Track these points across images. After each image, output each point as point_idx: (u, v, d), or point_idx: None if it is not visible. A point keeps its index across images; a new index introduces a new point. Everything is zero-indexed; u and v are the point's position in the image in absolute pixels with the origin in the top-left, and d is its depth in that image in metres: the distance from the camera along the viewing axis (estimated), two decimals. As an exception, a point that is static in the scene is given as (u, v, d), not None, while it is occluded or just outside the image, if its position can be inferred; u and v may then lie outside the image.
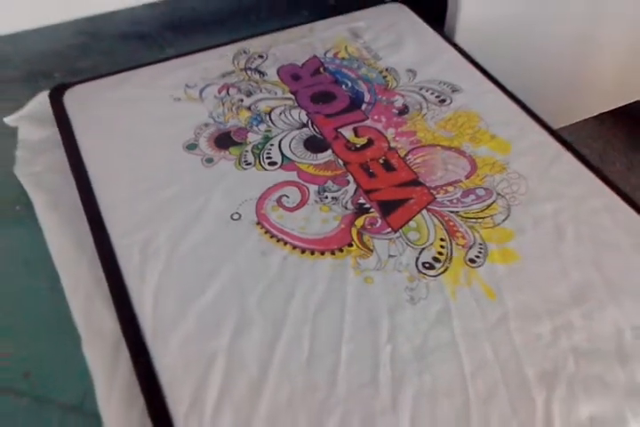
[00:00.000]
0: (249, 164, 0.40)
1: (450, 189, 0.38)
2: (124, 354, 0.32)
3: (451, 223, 0.36)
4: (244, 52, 0.48)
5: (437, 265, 0.34)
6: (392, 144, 0.41)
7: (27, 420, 0.32)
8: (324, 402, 0.29)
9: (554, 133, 0.42)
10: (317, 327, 0.32)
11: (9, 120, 0.45)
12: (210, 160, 0.40)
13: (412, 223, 0.36)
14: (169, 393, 0.29)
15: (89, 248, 0.36)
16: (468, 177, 0.39)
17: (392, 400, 0.29)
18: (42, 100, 0.46)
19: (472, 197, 0.38)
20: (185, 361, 0.30)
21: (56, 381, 0.33)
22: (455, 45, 0.49)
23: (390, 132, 0.42)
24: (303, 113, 0.43)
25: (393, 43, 0.49)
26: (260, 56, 0.48)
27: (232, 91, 0.45)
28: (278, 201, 0.38)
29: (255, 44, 0.49)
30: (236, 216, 0.37)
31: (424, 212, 0.37)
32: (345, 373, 0.30)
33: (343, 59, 0.48)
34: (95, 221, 0.37)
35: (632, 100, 0.80)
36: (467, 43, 0.52)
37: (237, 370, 0.30)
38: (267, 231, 0.36)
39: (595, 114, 0.76)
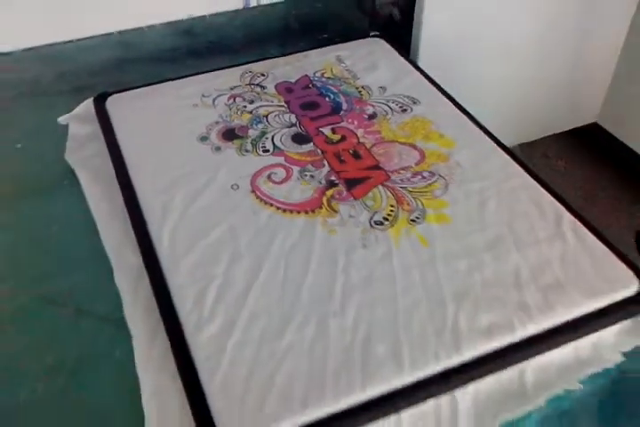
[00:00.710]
0: (248, 151, 0.51)
1: (402, 171, 0.49)
2: (145, 279, 0.42)
3: (399, 195, 0.47)
4: (250, 71, 0.60)
5: (386, 223, 0.45)
6: (361, 140, 0.52)
7: (68, 327, 0.42)
8: (291, 308, 0.39)
9: (490, 135, 0.53)
10: (290, 261, 0.42)
11: (62, 119, 0.57)
12: (217, 148, 0.52)
13: (370, 194, 0.47)
14: (177, 299, 0.40)
15: (121, 211, 0.47)
16: (417, 164, 0.50)
17: (341, 308, 0.39)
18: (88, 104, 0.58)
19: (419, 177, 0.49)
20: (190, 280, 0.41)
21: (95, 299, 0.43)
22: (419, 69, 0.61)
23: (360, 132, 0.53)
24: (293, 116, 0.55)
25: (369, 67, 0.61)
26: (262, 75, 0.60)
27: (238, 99, 0.57)
28: (269, 177, 0.49)
29: (259, 66, 0.61)
30: (235, 187, 0.48)
31: (380, 187, 0.48)
32: (308, 291, 0.40)
33: (329, 78, 0.60)
34: (127, 190, 0.48)
35: (586, 123, 0.91)
36: (427, 59, 0.65)
37: (229, 287, 0.41)
38: (258, 197, 0.47)
39: (549, 133, 0.87)
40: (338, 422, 0.34)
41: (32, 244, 0.47)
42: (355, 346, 0.37)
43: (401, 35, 0.70)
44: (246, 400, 0.35)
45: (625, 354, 0.40)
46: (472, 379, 0.37)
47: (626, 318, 0.41)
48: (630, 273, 0.42)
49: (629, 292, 0.41)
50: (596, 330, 0.40)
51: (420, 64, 0.63)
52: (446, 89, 0.58)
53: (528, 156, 0.96)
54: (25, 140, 0.57)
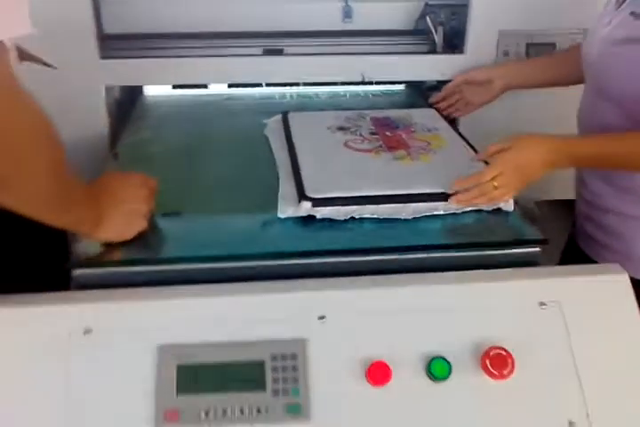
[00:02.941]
0: (347, 133, 1.09)
1: (417, 147, 1.04)
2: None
3: (410, 152, 1.02)
4: (360, 112, 1.20)
5: (400, 159, 0.99)
6: (402, 136, 1.08)
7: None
8: (351, 168, 0.94)
9: (467, 142, 1.07)
10: (354, 160, 0.98)
11: (265, 120, 1.19)
12: (334, 132, 1.10)
13: (397, 152, 1.02)
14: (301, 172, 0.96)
15: (285, 150, 1.06)
16: (426, 146, 1.05)
17: (374, 173, 0.93)
18: (278, 116, 1.19)
19: (423, 150, 1.03)
20: (307, 167, 0.97)
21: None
22: (448, 122, 1.17)
23: (404, 134, 1.09)
24: (373, 127, 1.12)
25: (421, 117, 1.18)
26: (366, 114, 1.19)
27: (351, 120, 1.16)
28: (353, 141, 1.06)
29: (365, 111, 1.21)
30: (338, 143, 1.05)
31: (402, 150, 1.03)
32: (354, 166, 0.95)
33: (398, 118, 1.18)
34: (289, 141, 1.07)
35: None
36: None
37: (315, 163, 0.96)
38: (346, 146, 1.04)
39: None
40: (349, 199, 0.87)
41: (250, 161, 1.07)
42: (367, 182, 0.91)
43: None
44: (318, 186, 0.89)
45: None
46: (402, 202, 0.88)
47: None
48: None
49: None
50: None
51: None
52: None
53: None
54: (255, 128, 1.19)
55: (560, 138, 0.85)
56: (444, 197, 0.89)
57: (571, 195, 1.39)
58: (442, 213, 0.88)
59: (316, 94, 1.38)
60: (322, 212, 0.86)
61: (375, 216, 0.87)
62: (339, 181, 0.91)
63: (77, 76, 1.13)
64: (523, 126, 1.30)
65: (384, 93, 1.41)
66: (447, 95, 1.24)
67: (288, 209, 0.87)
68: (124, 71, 1.17)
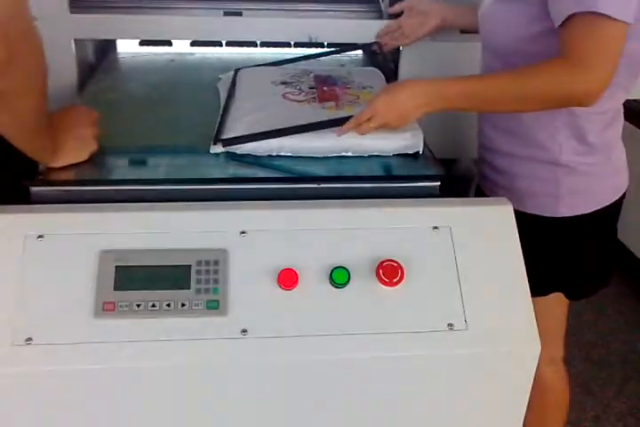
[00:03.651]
0: (288, 86, 1.21)
1: (347, 101, 1.16)
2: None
3: (339, 104, 1.14)
4: (308, 69, 1.32)
5: (328, 108, 1.12)
6: (337, 91, 1.20)
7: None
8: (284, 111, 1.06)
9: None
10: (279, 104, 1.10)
11: (220, 76, 1.31)
12: (278, 85, 1.22)
13: (326, 103, 1.14)
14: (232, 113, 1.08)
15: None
16: (356, 99, 1.17)
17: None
18: (231, 72, 1.31)
19: (353, 102, 1.15)
20: (239, 112, 1.10)
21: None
22: (386, 80, 1.29)
23: (339, 90, 1.21)
24: (313, 82, 1.24)
25: (361, 76, 1.30)
26: (311, 70, 1.31)
27: (296, 75, 1.28)
28: (291, 93, 1.18)
29: (310, 69, 1.33)
30: (278, 95, 1.17)
31: (332, 102, 1.15)
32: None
33: (340, 75, 1.29)
34: (233, 88, 1.19)
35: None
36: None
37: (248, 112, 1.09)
38: (284, 97, 1.16)
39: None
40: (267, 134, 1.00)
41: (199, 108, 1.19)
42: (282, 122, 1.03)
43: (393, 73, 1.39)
44: (235, 128, 1.01)
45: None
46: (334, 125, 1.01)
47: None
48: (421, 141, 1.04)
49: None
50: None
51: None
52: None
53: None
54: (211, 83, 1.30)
55: (435, 80, 0.95)
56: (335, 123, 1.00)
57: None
58: (351, 154, 1.00)
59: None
60: (242, 148, 0.99)
61: (291, 154, 0.99)
62: (257, 123, 1.03)
63: (48, 29, 1.24)
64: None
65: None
66: (390, 30, 1.33)
67: (216, 147, 0.99)
68: (93, 25, 1.28)
